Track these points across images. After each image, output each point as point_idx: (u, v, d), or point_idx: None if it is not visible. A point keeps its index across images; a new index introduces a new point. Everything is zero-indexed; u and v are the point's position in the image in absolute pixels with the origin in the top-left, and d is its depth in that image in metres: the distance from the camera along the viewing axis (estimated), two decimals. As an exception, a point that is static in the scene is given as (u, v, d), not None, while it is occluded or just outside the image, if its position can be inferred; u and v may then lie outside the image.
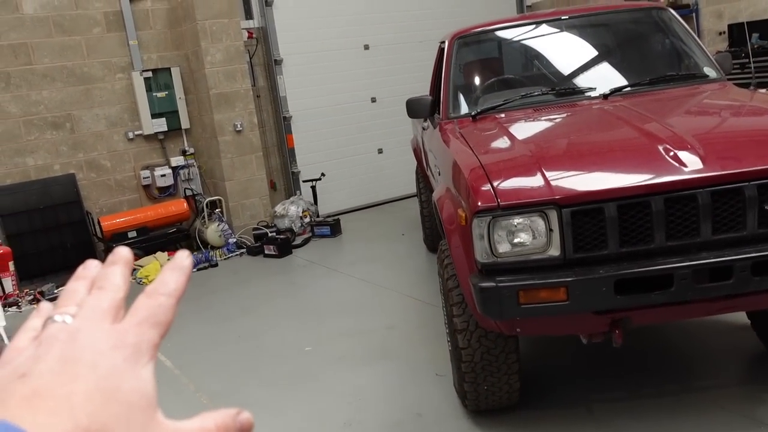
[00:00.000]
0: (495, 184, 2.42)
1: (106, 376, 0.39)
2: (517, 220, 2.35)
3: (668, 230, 2.32)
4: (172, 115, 6.83)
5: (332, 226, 6.90)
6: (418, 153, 5.33)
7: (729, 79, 3.56)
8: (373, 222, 7.31)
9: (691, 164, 2.34)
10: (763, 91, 5.89)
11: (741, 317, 3.35)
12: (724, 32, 7.13)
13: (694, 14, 7.32)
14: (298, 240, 6.72)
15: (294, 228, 6.83)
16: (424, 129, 4.32)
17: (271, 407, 3.37)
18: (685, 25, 3.81)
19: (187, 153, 7.01)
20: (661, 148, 2.44)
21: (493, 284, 2.34)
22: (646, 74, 3.50)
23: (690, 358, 3.31)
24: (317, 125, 7.60)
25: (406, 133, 6.68)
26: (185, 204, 6.80)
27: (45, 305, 0.46)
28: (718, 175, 2.30)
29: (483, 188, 2.42)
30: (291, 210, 6.92)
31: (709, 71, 3.53)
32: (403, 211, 7.48)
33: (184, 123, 6.90)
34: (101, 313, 0.42)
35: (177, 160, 6.94)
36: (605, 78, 3.51)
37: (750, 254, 2.28)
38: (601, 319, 2.43)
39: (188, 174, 7.03)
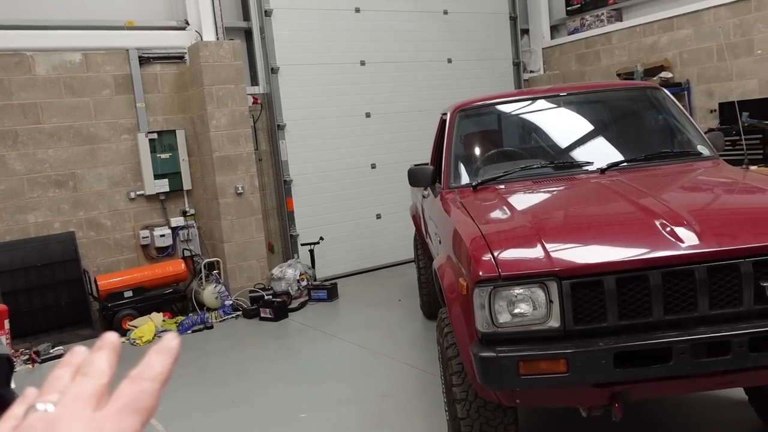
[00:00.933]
0: (496, 254, 2.46)
1: None
2: (517, 291, 2.38)
3: (666, 304, 2.36)
4: (174, 176, 6.92)
5: (329, 290, 6.89)
6: (417, 220, 5.40)
7: (721, 157, 3.67)
8: (370, 287, 7.31)
9: (688, 240, 2.39)
10: (755, 168, 6.04)
11: (739, 393, 3.34)
12: (715, 110, 7.34)
13: (686, 92, 7.56)
14: (295, 303, 6.70)
15: (291, 291, 6.82)
16: (424, 197, 4.40)
17: (264, 476, 3.30)
18: (678, 104, 3.95)
19: (188, 214, 7.07)
20: (658, 223, 2.50)
21: (494, 354, 2.35)
22: (642, 150, 3.61)
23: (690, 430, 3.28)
24: (317, 189, 7.70)
25: (405, 199, 6.77)
26: (183, 265, 6.80)
27: (30, 391, 0.45)
28: (714, 251, 2.35)
29: (484, 258, 2.46)
30: (288, 273, 6.93)
31: (703, 149, 3.64)
32: (400, 277, 7.49)
33: (186, 184, 6.99)
34: (83, 401, 0.41)
35: (177, 221, 6.99)
36: (602, 153, 3.61)
37: (747, 330, 2.31)
38: (601, 392, 2.43)
39: (187, 235, 7.06)
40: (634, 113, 4.12)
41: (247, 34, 7.46)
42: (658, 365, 2.32)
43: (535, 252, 2.45)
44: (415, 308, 6.02)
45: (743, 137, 5.85)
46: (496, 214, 3.01)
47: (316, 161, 7.68)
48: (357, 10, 7.90)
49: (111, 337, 0.47)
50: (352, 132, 7.90)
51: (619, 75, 8.11)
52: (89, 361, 0.45)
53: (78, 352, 0.47)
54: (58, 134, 6.42)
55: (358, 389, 4.30)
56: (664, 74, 7.68)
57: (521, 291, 2.38)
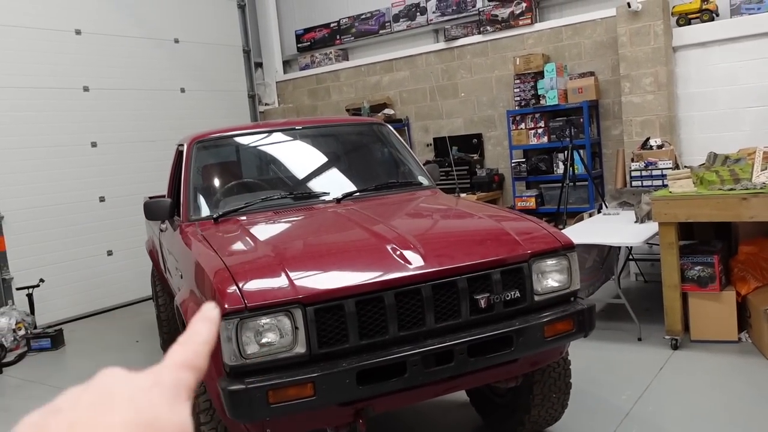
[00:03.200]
0: (241, 285, 2.47)
1: (143, 410, 0.39)
2: (264, 321, 2.42)
3: (400, 321, 2.58)
4: None
5: (53, 338, 6.18)
6: (155, 254, 5.14)
7: (438, 185, 4.14)
8: (103, 330, 6.73)
9: (415, 261, 2.66)
10: (464, 195, 6.91)
11: (462, 396, 3.77)
12: (431, 144, 8.25)
13: (406, 128, 8.36)
14: (11, 356, 5.89)
15: (5, 343, 5.98)
16: (162, 231, 4.22)
17: None
18: (401, 139, 4.37)
19: None
20: (389, 247, 2.74)
21: (243, 386, 2.34)
22: (372, 181, 3.91)
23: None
24: (36, 226, 6.89)
25: (140, 234, 6.41)
26: None
27: None
28: (436, 271, 2.65)
29: (229, 290, 2.45)
30: (1, 322, 6.08)
31: (423, 179, 4.07)
32: (136, 317, 7.02)
33: None
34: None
35: None
36: (337, 183, 3.84)
37: (466, 338, 2.63)
38: (346, 410, 2.57)
39: None
40: (364, 146, 4.46)
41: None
42: (396, 378, 2.53)
43: (280, 281, 2.51)
44: (155, 348, 5.69)
45: (454, 168, 6.67)
46: (239, 245, 3.02)
47: (34, 194, 6.88)
48: (78, 32, 7.32)
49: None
50: (76, 163, 7.24)
51: (348, 110, 8.67)
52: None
53: None
54: None
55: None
56: (387, 111, 8.41)
57: (268, 320, 2.42)
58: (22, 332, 6.17)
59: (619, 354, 4.52)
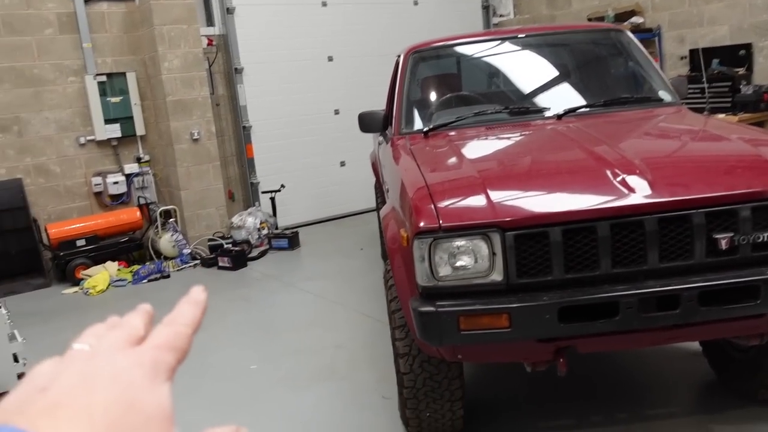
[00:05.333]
0: (438, 204, 2.32)
1: (124, 389, 0.39)
2: (458, 243, 2.25)
3: (614, 257, 2.25)
4: (126, 121, 6.64)
5: (290, 239, 6.75)
6: (376, 167, 5.23)
7: (686, 104, 3.54)
8: (333, 236, 7.18)
9: (639, 189, 2.27)
10: (722, 116, 5.94)
11: (693, 344, 3.30)
12: (686, 57, 7.20)
13: (656, 38, 7.38)
14: (255, 252, 6.56)
15: (251, 240, 6.67)
16: (379, 144, 4.22)
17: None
18: (642, 48, 3.78)
19: (142, 160, 6.81)
20: (609, 172, 2.37)
21: (433, 309, 2.23)
22: (602, 96, 3.45)
23: (640, 386, 3.25)
24: (278, 136, 7.46)
25: (370, 146, 6.59)
26: (138, 213, 6.59)
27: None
28: (665, 202, 2.24)
29: (425, 208, 2.32)
30: (248, 221, 6.77)
31: (665, 95, 3.50)
32: (363, 225, 7.37)
33: (140, 129, 6.71)
34: (120, 341, 0.44)
35: (131, 168, 6.74)
36: (560, 98, 3.45)
37: (697, 284, 2.22)
38: (545, 347, 2.34)
39: (143, 182, 6.82)
40: (597, 57, 3.95)
41: (201, -30, 7.07)
42: (604, 320, 2.23)
43: (479, 202, 2.31)
44: (376, 257, 5.91)
45: (708, 85, 5.73)
46: (444, 162, 2.86)
47: (277, 106, 7.42)
48: (318, -53, 7.51)
49: (146, 306, 0.50)
50: (314, 76, 7.62)
51: (590, 19, 7.89)
52: (122, 320, 0.47)
53: (113, 318, 0.49)
54: (-1, 75, 6.07)
55: (312, 340, 4.21)
56: (635, 19, 7.48)
57: (463, 243, 2.25)
58: (265, 231, 6.82)
59: None
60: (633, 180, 2.31)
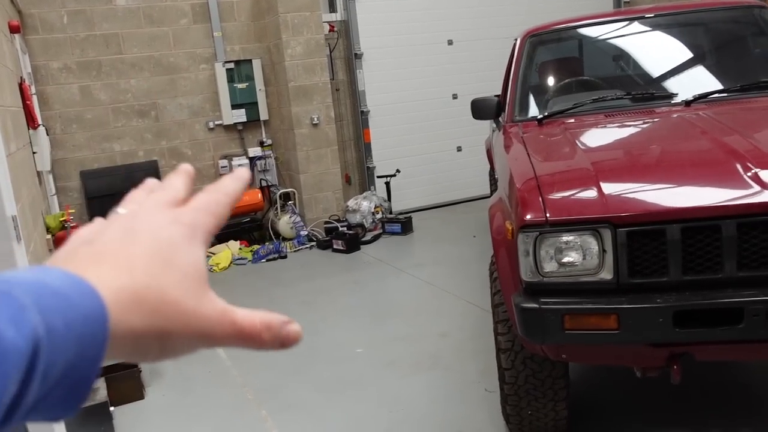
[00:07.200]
0: (546, 197, 2.22)
1: (163, 246, 0.42)
2: (566, 238, 2.15)
3: (740, 259, 2.05)
4: (251, 107, 6.93)
5: (403, 224, 6.79)
6: (490, 154, 5.13)
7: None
8: (446, 222, 7.14)
9: (774, 185, 2.05)
10: None
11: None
12: None
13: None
14: (368, 236, 6.66)
15: (365, 224, 6.77)
16: (493, 131, 4.12)
17: (311, 410, 3.31)
18: (789, 26, 3.41)
19: (265, 144, 7.09)
20: (739, 165, 2.16)
21: (536, 306, 2.15)
22: (737, 80, 3.16)
23: (764, 399, 2.97)
24: (395, 120, 7.50)
25: (486, 131, 6.46)
26: (260, 195, 6.88)
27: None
28: (804, 200, 2.01)
29: (533, 201, 2.23)
30: (363, 205, 6.87)
31: (814, 79, 3.14)
32: (477, 212, 7.24)
33: (263, 114, 6.98)
34: (161, 203, 0.46)
35: (254, 151, 7.04)
36: (690, 82, 3.20)
37: (840, 293, 1.98)
38: (658, 352, 2.20)
39: (265, 165, 7.11)
40: (735, 37, 3.61)
41: (325, -42, 7.20)
42: (726, 327, 2.05)
43: (590, 195, 2.19)
44: (488, 245, 5.79)
45: None
46: (557, 152, 2.74)
47: (395, 91, 7.45)
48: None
49: (185, 166, 0.52)
50: (432, 60, 7.57)
51: (733, -6, 7.24)
52: (163, 183, 0.50)
53: (150, 181, 0.51)
54: (139, 64, 6.52)
55: (418, 327, 4.21)
56: (786, -7, 6.78)
57: (571, 238, 2.15)
58: (379, 216, 6.90)
59: None
60: (767, 175, 2.09)
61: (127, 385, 3.51)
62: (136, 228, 0.43)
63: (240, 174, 0.51)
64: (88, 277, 0.38)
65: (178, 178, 0.50)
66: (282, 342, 0.44)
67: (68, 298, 0.36)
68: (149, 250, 0.41)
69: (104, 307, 0.37)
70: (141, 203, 0.47)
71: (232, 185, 0.50)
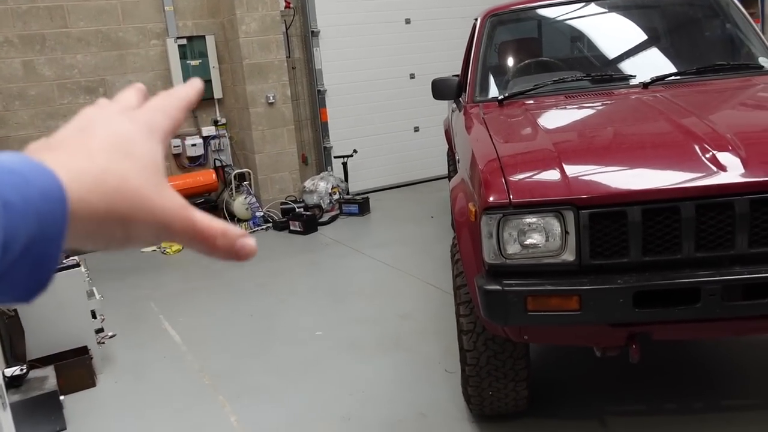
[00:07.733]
0: (509, 178, 2.22)
1: (121, 139, 0.43)
2: (529, 220, 2.15)
3: (698, 240, 2.09)
4: (205, 84, 6.71)
5: (361, 205, 6.75)
6: (449, 135, 5.12)
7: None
8: (404, 202, 7.13)
9: (730, 167, 2.09)
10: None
11: (780, 332, 3.08)
12: (791, 19, 6.64)
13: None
14: (325, 217, 6.60)
15: (322, 204, 6.71)
16: (453, 111, 4.10)
17: (272, 393, 3.27)
18: (742, 9, 3.47)
19: (219, 123, 6.93)
20: (697, 147, 2.19)
21: (499, 288, 2.15)
22: (694, 62, 3.20)
23: (719, 374, 3.06)
24: (352, 100, 7.42)
25: (444, 112, 6.45)
26: (214, 175, 6.73)
27: None
28: (759, 182, 2.05)
29: (496, 182, 2.22)
30: (320, 186, 6.80)
31: (765, 61, 3.21)
32: (435, 193, 7.27)
33: (217, 92, 6.81)
34: (116, 108, 0.47)
35: (208, 130, 6.87)
36: (648, 65, 3.23)
37: (792, 271, 2.04)
38: (618, 332, 2.23)
39: (219, 144, 6.95)
40: (691, 20, 3.66)
41: (280, -69, 7.01)
42: (684, 306, 2.08)
43: (553, 177, 2.19)
44: (446, 226, 5.82)
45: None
46: (518, 132, 2.73)
47: (352, 70, 7.36)
48: None
49: (139, 84, 0.52)
50: (390, 39, 7.49)
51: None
52: (116, 97, 0.50)
53: (102, 99, 0.50)
54: (86, 39, 6.26)
55: (378, 309, 4.20)
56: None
57: (534, 220, 2.15)
58: (336, 197, 6.84)
59: None
60: (724, 157, 2.13)
61: (77, 372, 3.40)
62: (93, 126, 0.44)
63: (194, 82, 0.53)
64: (44, 160, 0.38)
65: (130, 92, 0.50)
66: (236, 252, 0.44)
67: (23, 176, 0.36)
68: (107, 142, 0.42)
69: (60, 184, 0.38)
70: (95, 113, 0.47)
71: (186, 90, 0.51)
